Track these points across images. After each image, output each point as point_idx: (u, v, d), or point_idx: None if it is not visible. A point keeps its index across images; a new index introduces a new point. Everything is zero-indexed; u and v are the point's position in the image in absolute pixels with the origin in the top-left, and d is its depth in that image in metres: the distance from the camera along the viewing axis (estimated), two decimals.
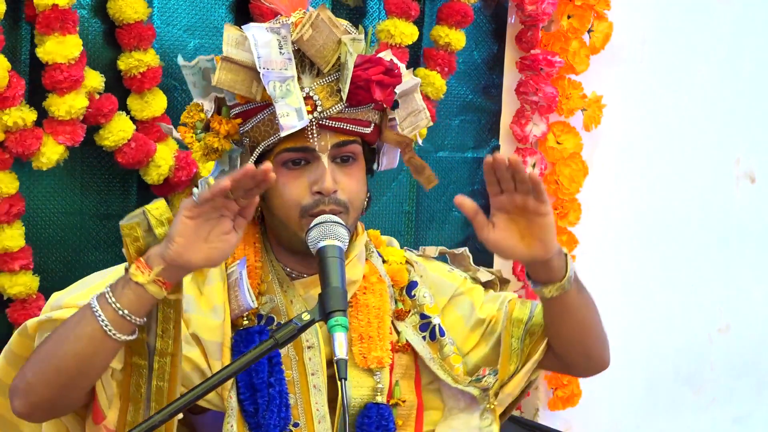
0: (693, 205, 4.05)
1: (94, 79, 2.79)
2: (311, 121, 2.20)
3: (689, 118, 4.00)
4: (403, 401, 2.39)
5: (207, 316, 2.26)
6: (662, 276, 4.02)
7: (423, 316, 2.46)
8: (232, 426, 2.25)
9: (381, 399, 2.34)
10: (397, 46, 3.14)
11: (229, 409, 2.24)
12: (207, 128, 2.30)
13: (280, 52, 2.19)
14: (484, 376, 2.45)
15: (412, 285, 2.48)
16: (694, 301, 4.11)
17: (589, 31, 3.61)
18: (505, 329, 2.47)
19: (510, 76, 3.58)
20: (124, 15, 2.82)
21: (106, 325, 2.02)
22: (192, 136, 2.31)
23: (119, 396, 2.15)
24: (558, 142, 3.61)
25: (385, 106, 2.26)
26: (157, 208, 2.03)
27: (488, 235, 2.22)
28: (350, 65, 2.19)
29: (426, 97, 3.25)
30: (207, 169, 2.63)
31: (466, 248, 2.60)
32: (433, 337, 2.45)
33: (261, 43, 2.18)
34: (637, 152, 3.91)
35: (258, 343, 2.02)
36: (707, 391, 4.21)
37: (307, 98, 2.21)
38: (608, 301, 3.87)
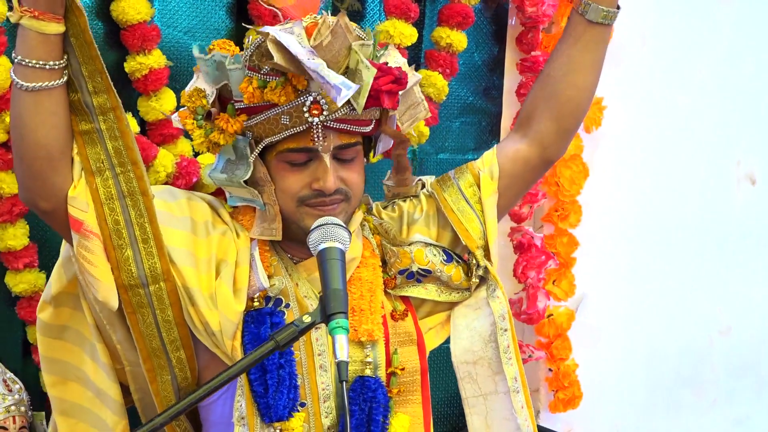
0: (693, 207, 4.05)
1: None
2: (317, 123, 2.25)
3: (690, 120, 4.00)
4: (402, 369, 2.43)
5: (231, 295, 2.33)
6: (663, 278, 4.02)
7: (402, 272, 2.49)
8: (241, 405, 2.32)
9: (369, 372, 2.39)
10: (397, 47, 3.14)
11: (239, 389, 2.31)
12: (208, 116, 2.35)
13: (302, 47, 2.23)
14: (467, 261, 2.53)
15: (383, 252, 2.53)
16: (695, 303, 4.11)
17: None
18: (439, 199, 2.53)
19: (511, 78, 3.58)
20: (128, 16, 2.82)
21: (18, 84, 2.14)
22: (193, 123, 2.34)
23: (84, 170, 2.25)
24: None
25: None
26: None
27: None
28: (368, 80, 2.23)
29: (428, 99, 3.25)
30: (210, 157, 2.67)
31: (389, 172, 2.62)
32: (423, 276, 2.50)
33: (284, 41, 2.22)
34: (638, 154, 3.91)
35: (260, 344, 2.07)
36: (708, 393, 4.21)
37: (314, 103, 2.26)
38: (609, 302, 3.88)
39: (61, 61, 2.16)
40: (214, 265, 2.34)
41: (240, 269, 2.36)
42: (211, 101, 2.34)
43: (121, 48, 2.89)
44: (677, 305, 4.07)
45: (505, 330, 2.49)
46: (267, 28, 2.25)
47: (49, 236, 2.89)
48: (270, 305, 2.36)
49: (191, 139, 2.77)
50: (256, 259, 2.37)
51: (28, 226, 2.81)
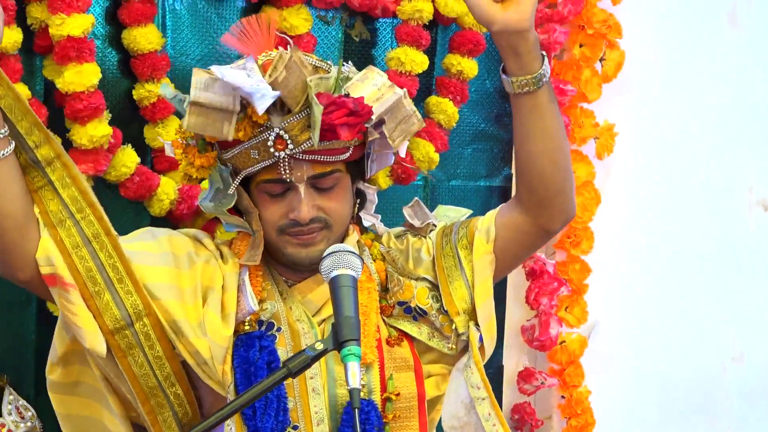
0: (706, 233, 4.04)
1: None
2: (284, 156, 2.27)
3: (701, 146, 4.00)
4: (397, 394, 2.41)
5: (219, 320, 2.33)
6: (675, 304, 4.01)
7: (401, 303, 2.48)
8: (231, 428, 2.33)
9: (363, 394, 2.37)
10: (408, 74, 3.15)
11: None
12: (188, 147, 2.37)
13: (250, 78, 2.24)
14: (452, 321, 2.48)
15: (385, 279, 2.52)
16: (708, 330, 4.10)
17: (601, 60, 3.61)
18: (436, 254, 2.50)
19: None
20: (139, 45, 2.84)
21: None
22: (181, 153, 2.36)
23: (46, 225, 2.25)
24: None
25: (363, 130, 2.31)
26: None
27: None
28: (317, 114, 2.22)
29: (438, 126, 3.26)
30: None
31: (417, 199, 2.59)
32: (420, 315, 2.48)
33: (228, 75, 2.23)
34: (650, 180, 3.91)
35: (270, 372, 2.14)
36: (721, 420, 4.19)
37: (278, 138, 2.27)
38: (621, 329, 3.87)
39: (5, 129, 2.17)
40: (200, 293, 2.34)
41: (228, 294, 2.36)
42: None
43: (131, 76, 2.90)
44: (690, 332, 4.06)
45: (483, 399, 2.44)
46: (218, 67, 2.27)
47: None
48: (262, 329, 2.36)
49: None
50: (246, 283, 2.37)
51: None
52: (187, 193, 2.90)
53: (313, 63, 2.32)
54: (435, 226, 2.56)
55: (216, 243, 2.46)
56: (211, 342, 2.30)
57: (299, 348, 2.31)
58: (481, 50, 3.29)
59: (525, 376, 3.64)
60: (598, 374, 3.75)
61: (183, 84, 2.92)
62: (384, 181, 3.16)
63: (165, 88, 2.39)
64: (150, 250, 2.35)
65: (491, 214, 2.53)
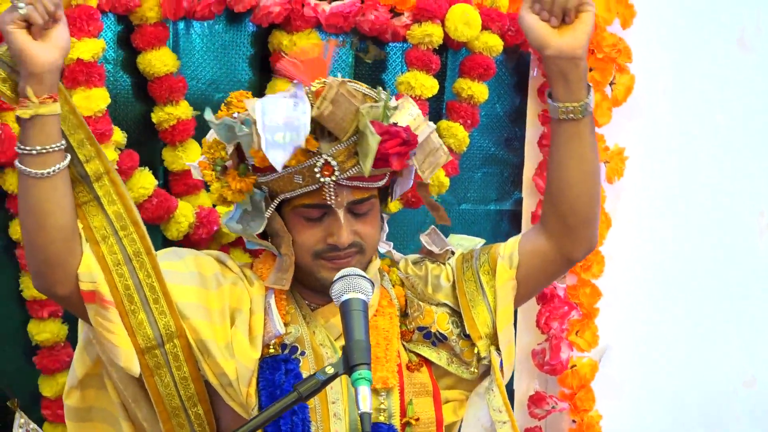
0: (716, 257, 4.03)
1: (115, 136, 2.81)
2: (329, 182, 2.29)
3: (712, 170, 3.99)
4: (416, 419, 2.42)
5: (247, 342, 2.34)
6: (686, 328, 4.00)
7: (421, 329, 2.50)
8: None
9: (383, 419, 2.39)
10: (418, 98, 3.15)
11: None
12: (225, 169, 2.38)
13: (294, 111, 2.26)
14: (475, 345, 2.50)
15: (405, 304, 2.53)
16: (719, 354, 4.08)
17: (611, 84, 3.61)
18: (457, 279, 2.52)
19: (532, 129, 3.58)
20: (154, 68, 2.85)
21: (29, 172, 2.15)
22: (211, 174, 2.36)
23: (89, 241, 2.27)
24: None
25: None
26: (5, 50, 2.15)
27: (525, 13, 2.32)
28: (373, 144, 2.24)
29: (449, 149, 3.26)
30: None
31: (433, 227, 2.62)
32: (439, 340, 2.50)
33: (269, 110, 2.26)
34: (660, 204, 3.90)
35: (273, 391, 2.17)
36: None
37: (326, 164, 2.28)
38: (632, 353, 3.86)
39: (62, 141, 2.19)
40: (228, 314, 2.36)
41: (255, 317, 2.37)
42: (229, 153, 2.36)
43: (147, 99, 2.91)
44: (701, 356, 4.04)
45: (504, 422, 2.46)
46: (272, 98, 2.29)
47: None
48: (285, 352, 2.37)
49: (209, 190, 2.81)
50: (272, 306, 2.38)
51: None
52: (206, 218, 2.90)
53: (362, 91, 2.34)
54: (453, 253, 2.58)
55: (239, 265, 2.47)
56: (238, 363, 2.31)
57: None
58: (491, 74, 3.30)
59: (536, 400, 3.63)
60: (609, 398, 3.74)
61: (195, 107, 2.93)
62: (394, 205, 3.15)
63: (209, 114, 2.38)
64: (177, 270, 2.36)
65: (514, 240, 2.55)
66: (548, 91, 2.40)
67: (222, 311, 2.35)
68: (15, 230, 2.77)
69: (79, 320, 2.40)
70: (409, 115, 2.40)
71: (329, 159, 2.28)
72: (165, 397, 2.33)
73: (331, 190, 2.31)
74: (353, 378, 1.97)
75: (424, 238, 2.59)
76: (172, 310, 2.30)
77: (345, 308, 2.10)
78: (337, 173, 2.29)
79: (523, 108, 3.58)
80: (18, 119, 2.15)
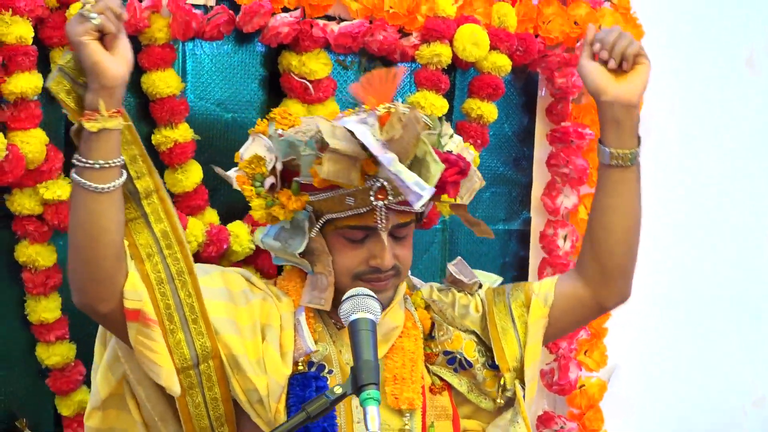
0: (726, 277, 4.03)
1: None
2: (381, 206, 2.33)
3: (720, 191, 4.00)
4: None
5: (279, 358, 2.35)
6: (695, 348, 4.00)
7: (446, 353, 2.54)
8: None
9: None
10: None
11: None
12: (272, 189, 2.38)
13: (376, 139, 2.28)
14: (501, 376, 2.53)
15: (432, 327, 2.57)
16: (728, 374, 4.08)
17: None
18: (488, 310, 2.56)
19: (541, 149, 3.59)
20: (158, 89, 2.85)
21: (89, 186, 2.14)
22: (251, 189, 2.36)
23: (134, 258, 2.27)
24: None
25: None
26: (69, 60, 2.15)
27: (585, 61, 2.44)
28: (436, 172, 2.30)
29: None
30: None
31: (460, 258, 2.68)
32: (462, 367, 2.53)
33: (359, 133, 2.27)
34: (669, 224, 3.90)
35: (294, 414, 2.14)
36: None
37: (381, 188, 2.32)
38: (641, 372, 3.86)
39: (121, 158, 2.19)
40: (258, 330, 2.37)
41: (285, 333, 2.38)
42: (270, 168, 2.38)
43: (151, 120, 2.92)
44: (710, 376, 4.04)
45: None
46: (345, 119, 2.30)
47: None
48: (313, 370, 2.39)
49: (216, 209, 2.81)
50: (303, 323, 2.40)
51: (60, 299, 2.81)
52: (216, 236, 2.90)
53: (424, 120, 2.38)
54: (481, 285, 2.63)
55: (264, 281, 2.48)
56: (270, 379, 2.32)
57: None
58: (500, 94, 3.30)
59: (544, 420, 3.62)
60: (617, 418, 3.74)
61: (202, 128, 2.94)
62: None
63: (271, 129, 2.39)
64: (206, 285, 2.37)
65: (550, 280, 2.61)
66: (600, 140, 2.48)
67: (252, 327, 2.36)
68: (21, 253, 2.76)
69: (99, 340, 2.41)
70: (453, 143, 2.46)
71: (385, 183, 2.31)
72: (194, 417, 2.34)
73: (382, 213, 2.34)
74: (361, 398, 1.98)
75: (452, 268, 2.64)
76: (209, 330, 2.31)
77: (353, 328, 2.11)
78: (390, 197, 2.32)
79: (532, 128, 3.59)
80: (73, 132, 2.16)
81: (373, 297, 2.17)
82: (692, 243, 3.96)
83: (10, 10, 2.58)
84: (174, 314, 2.27)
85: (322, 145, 2.29)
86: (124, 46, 2.16)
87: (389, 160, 2.25)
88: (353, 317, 2.12)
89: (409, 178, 2.25)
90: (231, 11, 2.88)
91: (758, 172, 4.07)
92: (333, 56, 3.10)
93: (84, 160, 2.15)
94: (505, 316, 2.55)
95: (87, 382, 2.83)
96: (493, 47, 3.24)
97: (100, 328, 2.45)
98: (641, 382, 3.87)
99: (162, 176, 2.91)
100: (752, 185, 4.06)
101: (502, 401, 2.54)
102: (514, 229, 3.62)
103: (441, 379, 2.53)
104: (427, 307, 2.58)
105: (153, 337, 2.26)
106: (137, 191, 2.26)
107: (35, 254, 2.75)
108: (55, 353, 2.82)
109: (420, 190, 2.24)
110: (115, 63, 2.13)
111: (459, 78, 3.36)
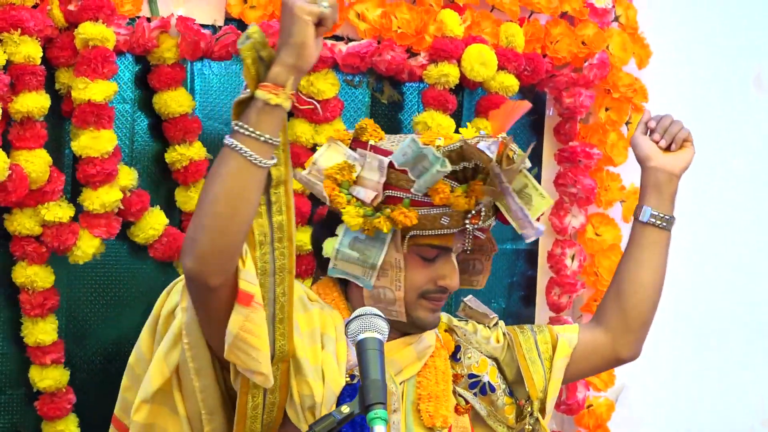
0: (733, 296, 4.03)
1: (126, 177, 2.82)
2: (471, 229, 2.40)
3: (728, 209, 3.99)
4: None
5: (337, 367, 2.37)
6: (703, 368, 3.99)
7: (471, 376, 2.59)
8: None
9: None
10: None
11: None
12: (378, 207, 2.38)
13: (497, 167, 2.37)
14: (522, 406, 2.62)
15: (456, 349, 2.61)
16: (736, 393, 4.07)
17: (627, 123, 3.62)
18: (516, 347, 2.65)
19: (548, 168, 3.59)
20: (170, 109, 2.87)
21: (250, 156, 2.13)
22: (344, 197, 2.37)
23: (249, 244, 2.24)
24: (597, 234, 3.60)
25: None
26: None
27: (638, 135, 2.73)
28: (541, 207, 2.41)
29: None
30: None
31: (471, 296, 2.75)
32: (483, 392, 2.59)
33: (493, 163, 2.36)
34: (676, 243, 3.88)
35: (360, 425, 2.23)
36: None
37: (477, 213, 2.38)
38: (648, 392, 3.85)
39: (279, 139, 2.19)
40: (318, 338, 2.37)
41: (340, 344, 2.39)
42: (359, 171, 2.39)
43: (161, 139, 2.93)
44: (718, 395, 4.03)
45: None
46: (482, 145, 2.34)
47: (81, 331, 2.92)
48: (355, 383, 2.39)
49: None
50: None
51: (57, 321, 2.81)
52: None
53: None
54: (498, 321, 2.71)
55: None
56: (327, 388, 2.33)
57: (390, 405, 2.39)
58: None
59: None
60: None
61: (211, 147, 2.94)
62: None
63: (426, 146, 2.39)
64: None
65: (573, 327, 2.76)
66: (639, 204, 2.72)
67: (312, 333, 2.37)
68: (19, 274, 2.75)
69: (147, 331, 2.42)
70: None
71: (483, 209, 2.37)
72: (249, 418, 2.33)
73: (470, 236, 2.40)
74: (369, 417, 1.97)
75: (470, 302, 2.71)
76: (290, 335, 2.29)
77: (361, 347, 2.10)
78: (480, 222, 2.38)
79: (540, 147, 3.59)
80: (238, 101, 2.17)
81: (381, 316, 2.17)
82: (701, 262, 3.95)
83: (19, 29, 2.59)
84: (267, 308, 2.26)
85: (457, 164, 2.35)
86: (320, 43, 2.18)
87: (512, 192, 2.36)
88: (361, 336, 2.11)
89: (533, 213, 2.37)
90: (239, 31, 2.89)
91: (766, 190, 4.06)
92: (341, 76, 3.10)
93: (251, 129, 2.14)
94: (532, 348, 2.65)
95: (76, 411, 2.84)
96: (500, 67, 3.25)
97: (150, 318, 2.44)
98: (649, 401, 3.86)
99: (173, 194, 2.92)
100: (762, 204, 4.06)
101: (530, 428, 2.61)
102: (522, 248, 3.62)
103: (465, 400, 2.57)
104: (450, 331, 2.63)
105: (256, 321, 2.22)
106: (270, 178, 2.24)
107: (33, 275, 2.75)
108: (48, 377, 2.81)
109: (540, 228, 2.38)
110: (316, 50, 2.14)
111: (467, 98, 3.37)
